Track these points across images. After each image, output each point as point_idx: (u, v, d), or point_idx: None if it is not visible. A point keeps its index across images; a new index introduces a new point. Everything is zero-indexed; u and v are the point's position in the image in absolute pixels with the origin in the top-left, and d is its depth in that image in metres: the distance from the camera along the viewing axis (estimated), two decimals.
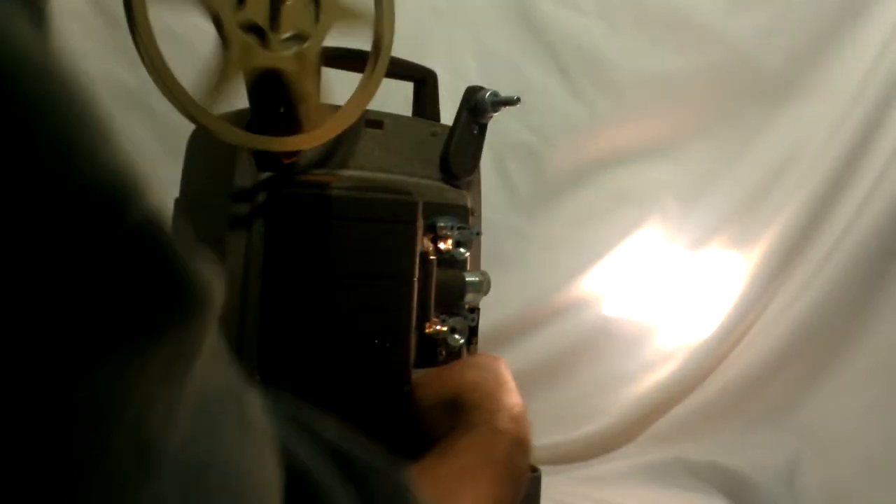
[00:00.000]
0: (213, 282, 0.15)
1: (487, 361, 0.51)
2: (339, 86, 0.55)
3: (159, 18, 0.42)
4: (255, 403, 0.20)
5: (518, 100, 0.60)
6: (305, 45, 0.47)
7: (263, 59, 0.45)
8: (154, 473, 0.15)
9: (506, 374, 0.50)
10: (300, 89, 0.47)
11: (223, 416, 0.18)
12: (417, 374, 0.54)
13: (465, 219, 0.60)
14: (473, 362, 0.52)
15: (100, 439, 0.14)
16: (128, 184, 0.13)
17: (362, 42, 0.52)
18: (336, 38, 0.49)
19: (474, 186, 0.64)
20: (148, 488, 0.15)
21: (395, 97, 0.64)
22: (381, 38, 0.50)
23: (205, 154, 0.57)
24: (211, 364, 0.18)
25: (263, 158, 0.50)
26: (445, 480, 0.39)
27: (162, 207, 0.14)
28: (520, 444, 0.44)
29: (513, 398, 0.47)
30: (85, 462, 0.14)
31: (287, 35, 0.47)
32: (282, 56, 0.46)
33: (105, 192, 0.13)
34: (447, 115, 0.63)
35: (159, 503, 0.15)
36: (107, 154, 0.13)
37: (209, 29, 0.45)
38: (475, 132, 0.62)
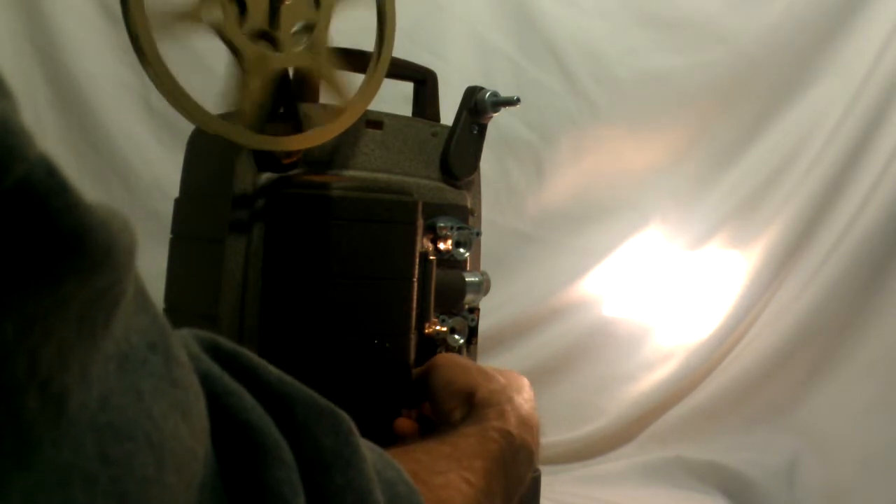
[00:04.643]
0: (119, 229, 0.15)
1: (515, 376, 0.51)
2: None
3: (157, 17, 0.42)
4: (184, 355, 0.19)
5: (518, 100, 0.60)
6: (314, 33, 0.47)
7: (277, 62, 0.46)
8: (69, 433, 0.15)
9: (530, 391, 0.50)
10: (323, 76, 0.48)
11: (146, 370, 0.17)
12: (443, 356, 0.54)
13: (465, 219, 0.60)
14: (503, 371, 0.51)
15: (8, 406, 0.13)
16: (9, 138, 0.13)
17: (363, 40, 0.52)
18: (341, 33, 0.49)
19: (474, 186, 0.64)
20: (62, 449, 0.14)
21: (395, 97, 0.64)
22: (382, 39, 0.50)
23: (205, 154, 0.57)
24: (133, 317, 0.17)
25: (263, 158, 0.50)
26: (434, 458, 0.38)
27: (50, 155, 0.14)
28: (524, 451, 0.43)
29: (530, 409, 0.47)
30: None
31: (294, 30, 0.47)
32: (294, 54, 0.47)
33: None
34: (447, 112, 0.63)
35: (74, 470, 0.15)
36: None
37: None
38: (475, 132, 0.62)
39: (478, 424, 0.43)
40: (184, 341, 0.20)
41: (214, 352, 0.23)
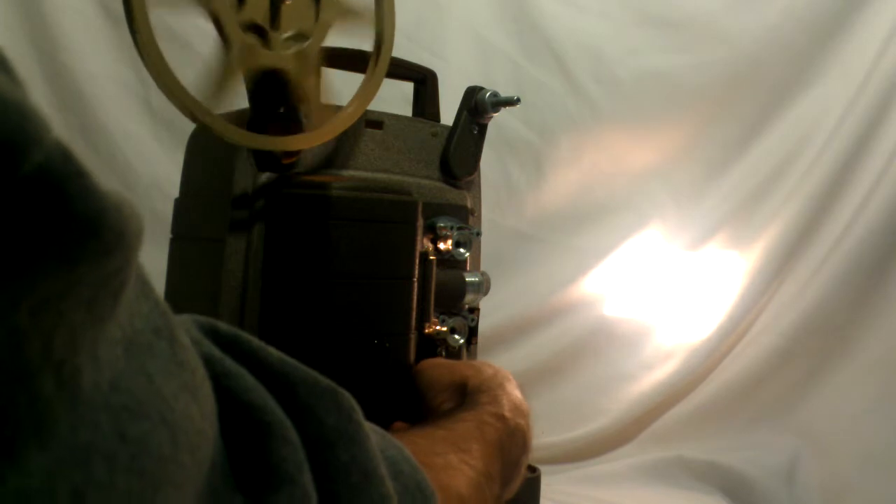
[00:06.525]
0: (130, 214, 0.15)
1: (502, 369, 0.52)
2: (340, 86, 0.56)
3: (159, 18, 0.42)
4: (187, 339, 0.19)
5: (518, 100, 0.60)
6: (306, 44, 0.47)
7: (265, 58, 0.45)
8: (86, 414, 0.15)
9: (515, 383, 0.50)
10: (301, 89, 0.47)
11: (152, 354, 0.17)
12: (425, 361, 0.54)
13: (465, 219, 0.60)
14: (490, 364, 0.52)
15: (25, 387, 0.14)
16: (26, 124, 0.13)
17: (363, 41, 0.52)
18: (337, 37, 0.49)
19: (474, 186, 0.64)
20: (80, 430, 0.15)
21: (395, 97, 0.64)
22: (382, 38, 0.50)
23: (205, 154, 0.57)
24: (136, 302, 0.17)
25: (263, 158, 0.50)
26: (432, 442, 0.38)
27: (64, 140, 0.14)
28: (518, 435, 0.44)
29: (520, 396, 0.48)
30: (11, 413, 0.13)
31: (288, 34, 0.47)
32: (283, 55, 0.46)
33: (2, 137, 0.13)
34: (447, 112, 0.63)
35: (93, 448, 0.15)
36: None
37: (208, 28, 0.45)
38: (475, 132, 0.62)
39: (472, 410, 0.43)
40: (184, 326, 0.20)
41: (214, 335, 0.23)
